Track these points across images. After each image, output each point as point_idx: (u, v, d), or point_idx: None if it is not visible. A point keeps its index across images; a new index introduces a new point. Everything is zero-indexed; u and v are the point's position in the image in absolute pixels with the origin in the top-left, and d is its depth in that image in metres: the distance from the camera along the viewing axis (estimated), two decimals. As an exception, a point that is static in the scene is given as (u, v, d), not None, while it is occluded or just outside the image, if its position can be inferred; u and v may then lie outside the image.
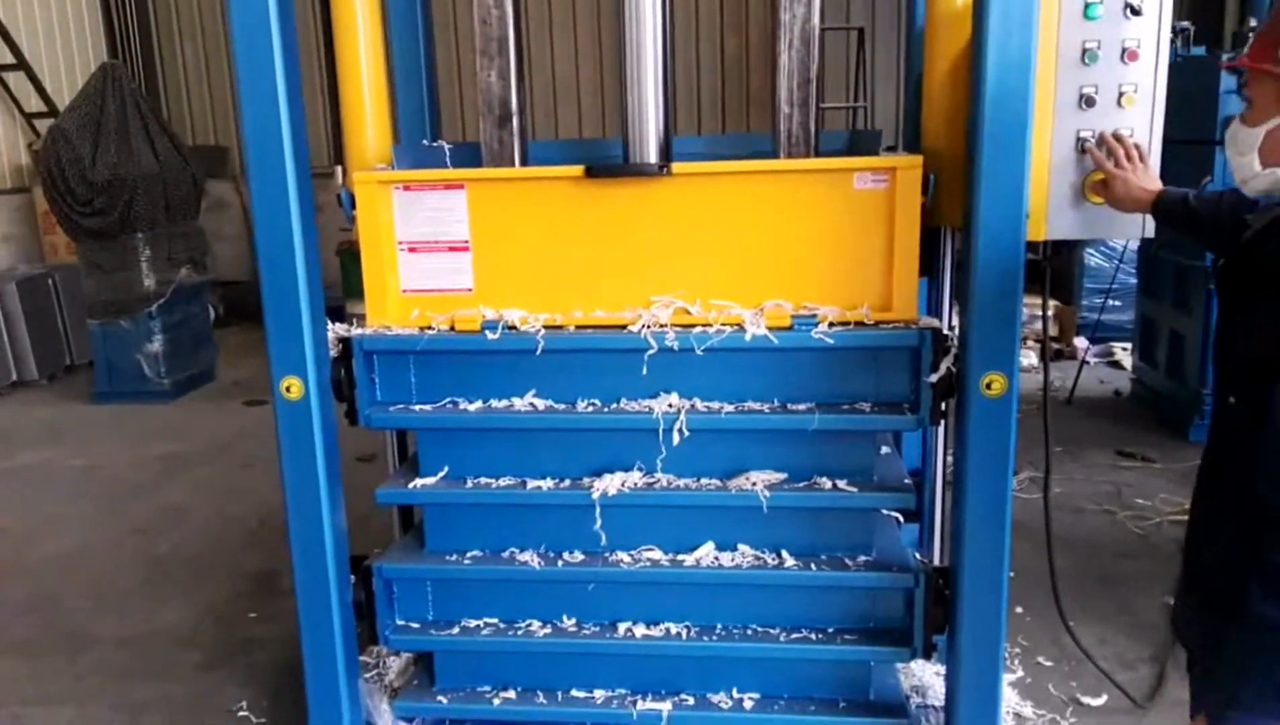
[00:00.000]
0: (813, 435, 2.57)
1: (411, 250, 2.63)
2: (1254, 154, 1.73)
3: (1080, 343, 7.87)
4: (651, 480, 2.66)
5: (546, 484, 2.69)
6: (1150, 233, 2.49)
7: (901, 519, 2.86)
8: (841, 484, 2.61)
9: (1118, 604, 4.05)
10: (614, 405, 2.64)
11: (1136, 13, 2.39)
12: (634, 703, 2.75)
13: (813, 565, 2.64)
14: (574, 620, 2.78)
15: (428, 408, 2.69)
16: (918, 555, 2.78)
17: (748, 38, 10.37)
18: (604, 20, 10.25)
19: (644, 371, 2.57)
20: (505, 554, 2.77)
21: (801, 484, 2.63)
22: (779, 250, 2.56)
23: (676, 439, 2.58)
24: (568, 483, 2.69)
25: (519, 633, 2.77)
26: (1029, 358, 7.07)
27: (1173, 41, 4.34)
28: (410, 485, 2.73)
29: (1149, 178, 2.36)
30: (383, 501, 2.79)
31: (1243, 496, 1.67)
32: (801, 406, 2.59)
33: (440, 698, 2.84)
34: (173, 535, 5.15)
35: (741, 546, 2.70)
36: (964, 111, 2.39)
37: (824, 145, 2.71)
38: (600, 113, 10.48)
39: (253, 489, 5.69)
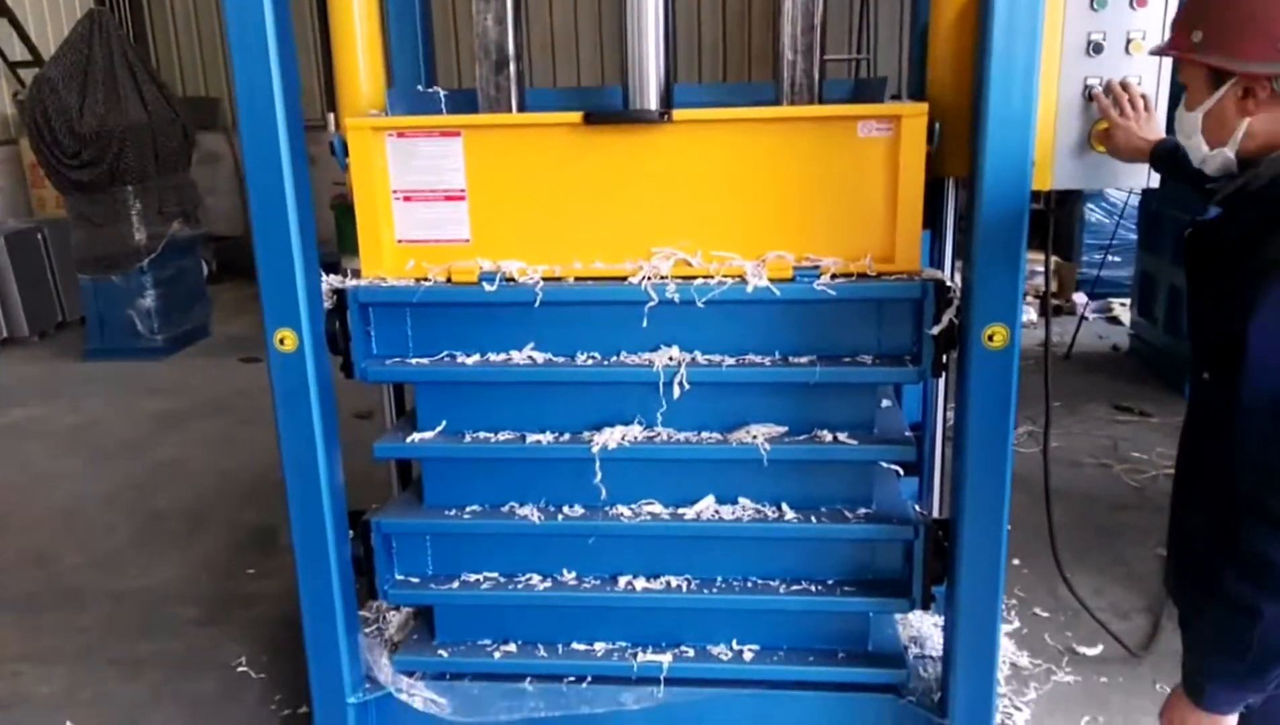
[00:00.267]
0: (813, 388, 2.55)
1: (406, 199, 2.58)
2: (1198, 136, 1.73)
3: (1079, 298, 7.85)
4: (652, 434, 2.64)
5: (546, 438, 2.66)
6: (1155, 183, 2.45)
7: (901, 472, 2.86)
8: (842, 437, 2.60)
9: (1113, 556, 4.09)
10: (614, 358, 2.60)
11: None
12: (634, 655, 2.76)
13: (812, 518, 2.63)
14: (574, 574, 2.77)
15: (425, 361, 2.65)
16: (917, 508, 2.78)
17: (750, -10, 10.25)
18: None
19: (644, 324, 2.53)
20: (505, 508, 2.75)
21: (802, 437, 2.61)
22: (781, 200, 2.51)
23: (677, 392, 2.55)
24: (567, 437, 2.66)
25: (519, 587, 2.76)
26: (1028, 313, 7.06)
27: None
28: (408, 440, 2.71)
29: (1152, 127, 2.33)
30: (380, 456, 2.76)
31: (1220, 473, 1.66)
32: (802, 359, 2.56)
33: (440, 651, 2.84)
34: (169, 491, 5.15)
35: (742, 499, 2.69)
36: (970, 61, 2.34)
37: (828, 94, 2.66)
38: (599, 69, 10.34)
39: (249, 445, 5.68)
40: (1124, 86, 2.37)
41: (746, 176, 2.50)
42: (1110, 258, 7.54)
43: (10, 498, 5.17)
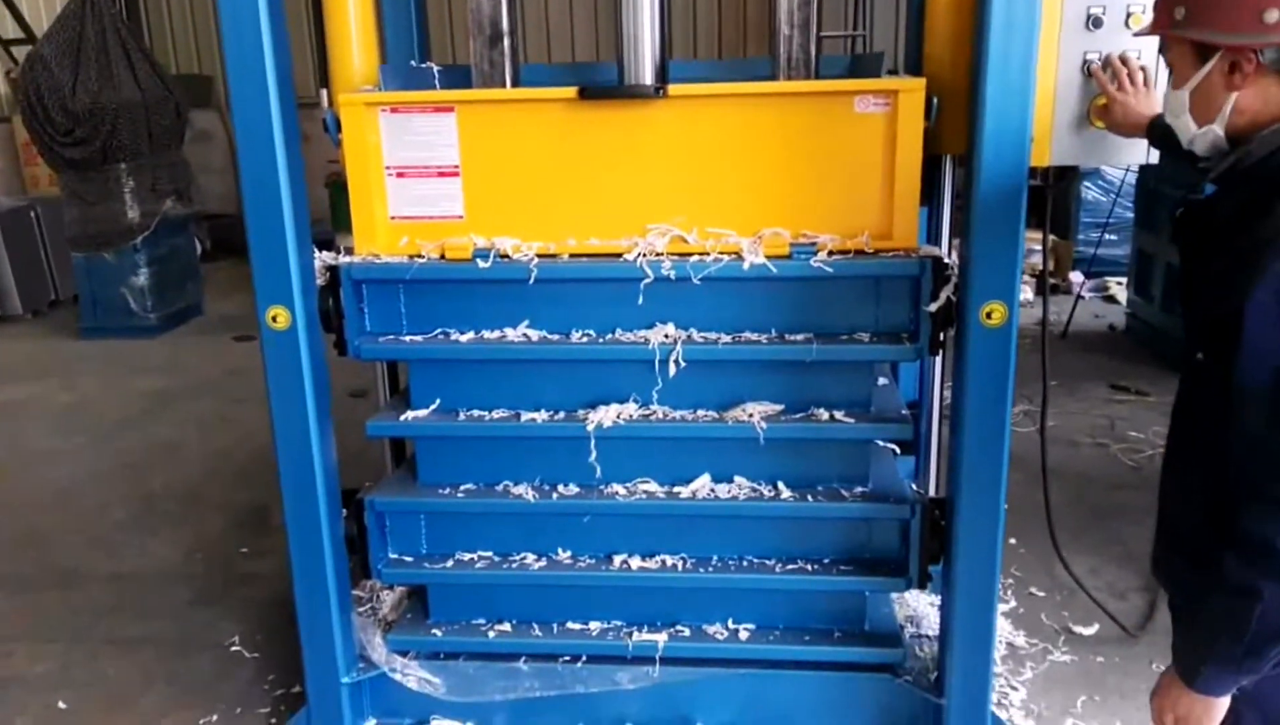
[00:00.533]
0: (810, 366, 2.53)
1: (400, 175, 2.55)
2: (1186, 115, 1.71)
3: (1076, 277, 7.84)
4: (647, 412, 2.62)
5: (541, 416, 2.64)
6: (1154, 159, 2.43)
7: (898, 450, 2.85)
8: (839, 415, 2.58)
9: (1110, 535, 4.09)
10: (609, 336, 2.59)
11: None
12: (629, 635, 2.75)
13: (809, 497, 2.62)
14: (569, 553, 2.76)
15: (418, 338, 2.63)
16: (914, 487, 2.77)
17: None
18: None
19: (640, 301, 2.52)
20: (499, 487, 2.73)
21: (798, 415, 2.59)
22: (777, 177, 2.48)
23: (673, 370, 2.54)
24: (562, 415, 2.64)
25: (513, 566, 2.75)
26: (1025, 292, 7.05)
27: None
28: (402, 418, 2.69)
29: (1151, 102, 2.31)
30: (373, 434, 2.74)
31: (1214, 455, 1.64)
32: (799, 337, 2.55)
33: (435, 631, 2.83)
34: (163, 471, 5.13)
35: (738, 478, 2.67)
36: (968, 36, 2.31)
37: (824, 70, 2.63)
38: (594, 46, 10.27)
39: (242, 423, 5.67)
40: (1123, 61, 2.35)
41: (743, 153, 2.48)
42: (1107, 236, 7.52)
43: (3, 477, 5.16)
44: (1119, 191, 7.69)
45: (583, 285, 2.56)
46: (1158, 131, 2.25)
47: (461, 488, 2.74)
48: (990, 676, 2.61)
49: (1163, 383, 5.82)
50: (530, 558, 2.76)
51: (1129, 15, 2.35)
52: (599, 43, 10.22)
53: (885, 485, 2.67)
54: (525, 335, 2.61)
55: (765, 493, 2.64)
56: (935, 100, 2.41)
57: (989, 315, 2.31)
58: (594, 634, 2.78)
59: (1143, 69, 2.34)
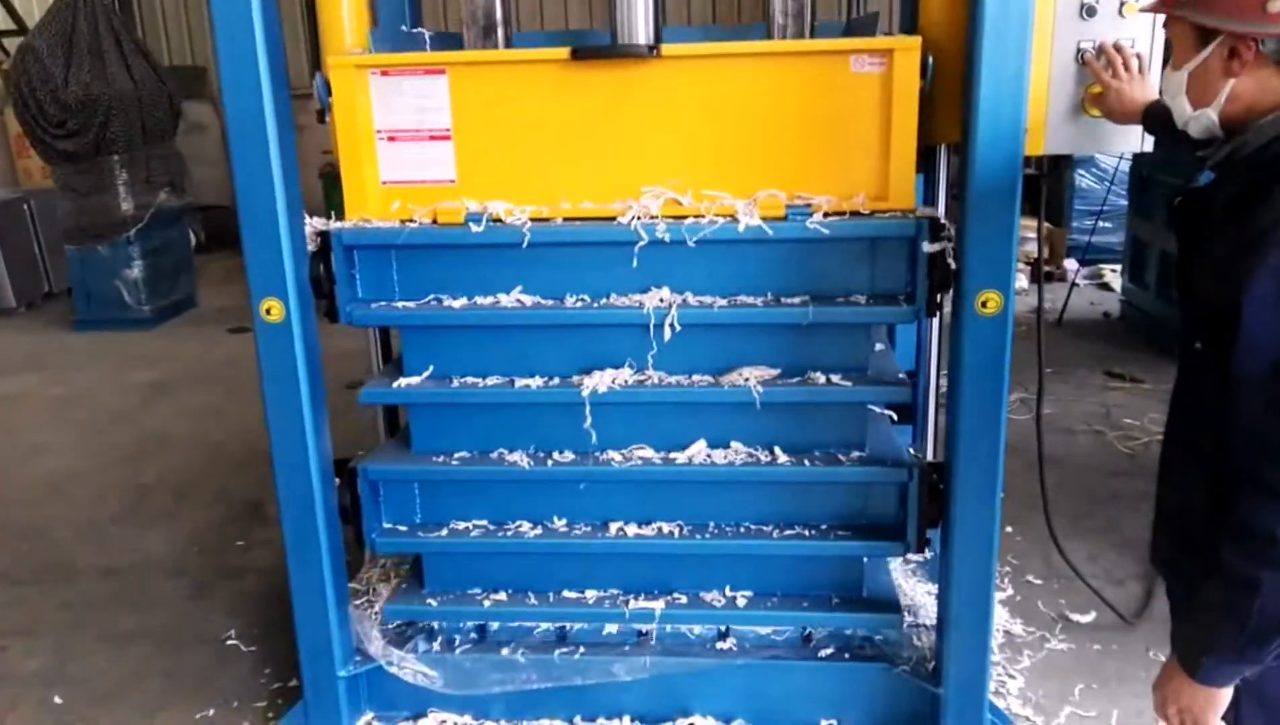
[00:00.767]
0: (807, 329, 2.51)
1: (391, 139, 2.53)
2: (1183, 96, 1.71)
3: (1070, 265, 7.83)
4: (642, 377, 2.59)
5: (535, 382, 2.62)
6: (1149, 147, 2.43)
7: (895, 417, 2.83)
8: (835, 378, 2.56)
9: (1107, 522, 4.08)
10: (603, 300, 2.56)
11: None
12: (626, 602, 2.73)
13: (806, 461, 2.60)
14: (565, 521, 2.74)
15: (410, 304, 2.61)
16: (911, 451, 2.75)
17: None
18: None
19: (634, 265, 2.49)
20: (494, 454, 2.71)
21: (795, 379, 2.57)
22: (772, 138, 2.46)
23: (668, 334, 2.51)
24: (557, 381, 2.62)
25: (509, 534, 2.72)
26: (1020, 280, 7.04)
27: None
28: (394, 385, 2.66)
29: (1145, 89, 2.31)
30: (365, 401, 2.72)
31: (1212, 443, 1.64)
32: (795, 300, 2.53)
33: (430, 600, 2.81)
34: (157, 463, 5.11)
35: (734, 443, 2.65)
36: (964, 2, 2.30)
37: (820, 33, 2.61)
38: (588, 19, 10.23)
39: (237, 416, 5.64)
40: (1117, 48, 2.35)
41: (737, 114, 2.46)
42: (1101, 224, 7.51)
43: (0, 469, 5.12)
44: (1113, 179, 7.68)
45: (576, 249, 2.54)
46: (1152, 118, 2.26)
47: (456, 455, 2.72)
48: (988, 664, 2.60)
49: (1158, 370, 5.81)
50: (526, 526, 2.74)
51: (1122, 4, 2.36)
52: (592, 14, 10.20)
53: (882, 449, 2.65)
54: (519, 300, 2.59)
55: (762, 458, 2.62)
56: (930, 59, 2.40)
57: (984, 304, 2.30)
58: (590, 602, 2.76)
59: (1137, 56, 2.34)
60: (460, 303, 2.59)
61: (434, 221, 2.54)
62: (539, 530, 2.72)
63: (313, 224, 2.53)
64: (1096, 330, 6.82)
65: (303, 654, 2.75)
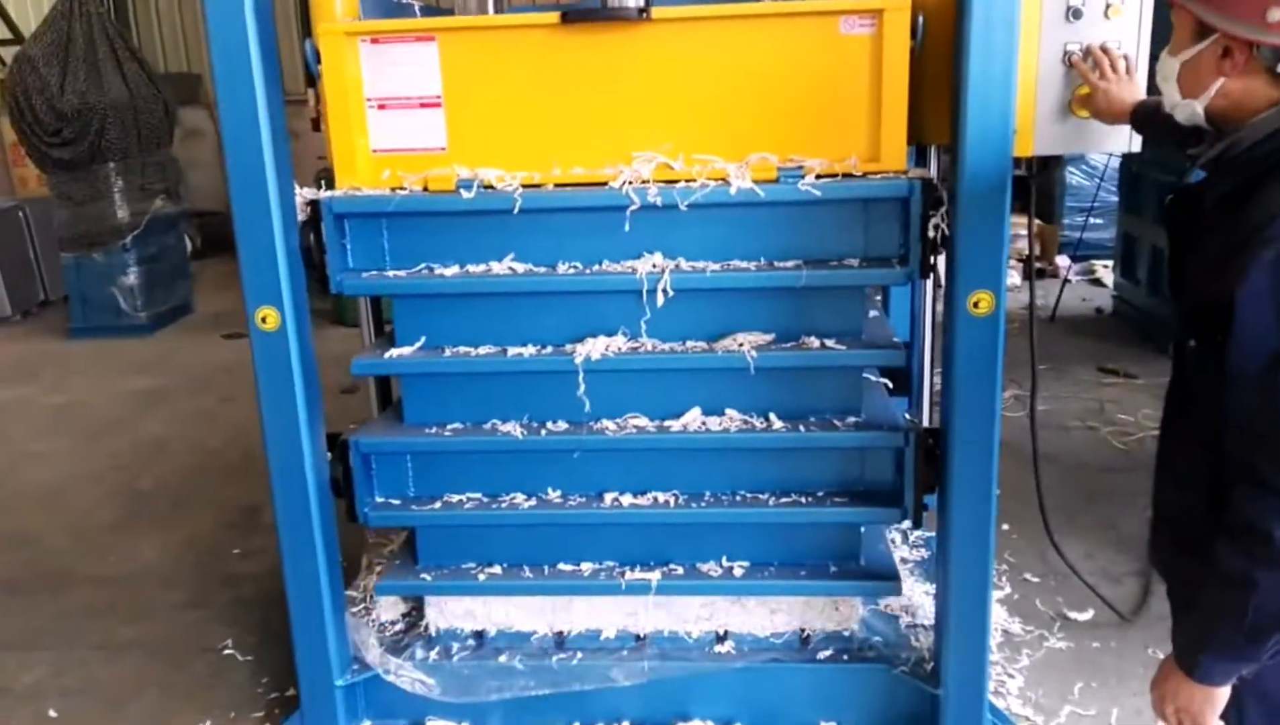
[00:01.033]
0: (800, 293, 2.50)
1: (381, 107, 2.52)
2: (1173, 83, 1.71)
3: (1062, 261, 7.85)
4: (636, 344, 2.57)
5: (528, 351, 2.60)
6: (1137, 147, 2.44)
7: (890, 385, 2.81)
8: (830, 343, 2.54)
9: (1102, 518, 4.07)
10: (596, 267, 2.55)
11: None
12: (622, 574, 2.70)
13: (801, 427, 2.58)
14: (559, 492, 2.71)
15: (402, 273, 2.59)
16: (907, 416, 2.73)
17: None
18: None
19: (626, 229, 2.47)
20: (487, 425, 2.68)
21: (790, 344, 2.56)
22: (764, 101, 2.46)
23: (661, 300, 2.50)
24: (550, 349, 2.60)
25: (503, 506, 2.70)
26: (1011, 277, 7.04)
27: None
28: (386, 355, 2.65)
29: (1132, 89, 2.32)
30: (357, 372, 2.69)
31: (1207, 441, 1.64)
32: (789, 264, 2.51)
33: (424, 575, 2.78)
34: (153, 471, 5.08)
35: (729, 410, 2.63)
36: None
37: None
38: None
39: (233, 422, 5.62)
40: (1104, 50, 2.36)
41: (728, 77, 2.45)
42: (1092, 220, 7.54)
43: (-4, 478, 5.10)
44: (1103, 176, 7.73)
45: (568, 215, 2.52)
46: (1140, 118, 2.28)
47: (449, 427, 2.70)
48: (986, 664, 2.58)
49: (1151, 365, 5.81)
50: (520, 497, 2.71)
51: (1108, 6, 2.36)
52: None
53: (878, 415, 2.63)
54: (511, 268, 2.57)
55: (757, 424, 2.60)
56: (920, 19, 2.39)
57: (976, 305, 2.30)
58: (586, 574, 2.73)
59: (1124, 57, 2.36)
60: (452, 271, 2.58)
61: (425, 188, 2.52)
62: (533, 502, 2.70)
63: (303, 193, 2.52)
64: (1089, 326, 6.83)
65: (299, 663, 2.73)
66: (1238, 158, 1.60)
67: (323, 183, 2.58)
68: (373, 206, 2.52)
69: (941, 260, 2.48)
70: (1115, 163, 7.30)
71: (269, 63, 2.33)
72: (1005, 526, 3.78)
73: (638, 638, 2.83)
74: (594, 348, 2.54)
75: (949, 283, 2.36)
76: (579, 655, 2.77)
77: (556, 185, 2.51)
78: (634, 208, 2.44)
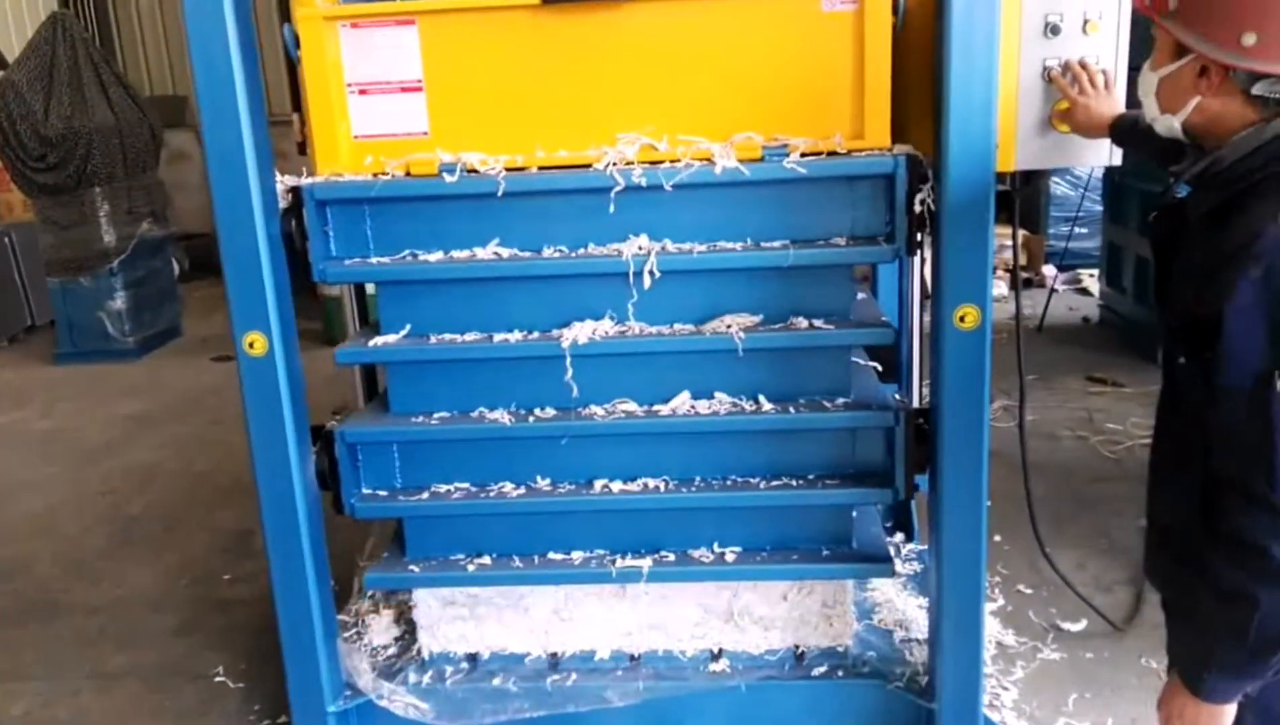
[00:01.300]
0: (788, 274, 2.49)
1: (362, 92, 2.51)
2: (1152, 97, 1.74)
3: (1049, 271, 7.88)
4: (623, 328, 2.55)
5: (514, 337, 2.58)
6: (1117, 160, 2.46)
7: (879, 368, 2.79)
8: (818, 323, 2.53)
9: (1093, 527, 4.05)
10: (581, 250, 2.53)
11: None
12: (613, 562, 2.66)
13: (791, 408, 2.55)
14: (548, 480, 2.68)
15: (385, 260, 2.57)
16: (897, 397, 2.71)
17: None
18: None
19: (611, 211, 2.46)
20: (474, 413, 2.65)
21: (778, 326, 2.54)
22: (747, 80, 2.45)
23: (648, 282, 2.48)
24: (536, 335, 2.58)
25: (491, 495, 2.66)
26: (998, 287, 7.07)
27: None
28: (371, 343, 2.62)
29: (1111, 103, 2.35)
30: (342, 361, 2.66)
31: (1199, 455, 1.64)
32: (775, 244, 2.50)
33: (412, 567, 2.73)
34: (143, 496, 5.03)
35: (718, 393, 2.60)
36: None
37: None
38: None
39: (223, 446, 5.56)
40: (1082, 65, 2.39)
41: (711, 57, 2.45)
42: (1077, 230, 7.58)
43: (-15, 506, 5.03)
44: (1087, 186, 7.80)
45: (553, 198, 2.51)
46: (1120, 132, 2.30)
47: (435, 415, 2.66)
48: (980, 677, 2.56)
49: (1139, 373, 5.82)
50: (509, 486, 2.68)
51: (1086, 22, 2.39)
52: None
53: (867, 395, 2.61)
54: (496, 253, 2.55)
55: (746, 407, 2.58)
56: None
57: (962, 319, 2.31)
58: (576, 563, 2.68)
59: (1102, 72, 2.38)
60: (436, 257, 2.56)
61: (407, 173, 2.51)
62: (522, 490, 2.66)
63: (284, 180, 2.50)
64: (1076, 335, 6.84)
65: (292, 690, 2.70)
66: (1221, 174, 1.62)
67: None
68: (355, 192, 2.50)
69: (929, 266, 2.47)
70: (1099, 173, 7.36)
71: (253, 84, 2.32)
72: (997, 537, 3.76)
73: (632, 658, 2.81)
74: (581, 332, 2.52)
75: (935, 297, 2.36)
76: (573, 676, 2.74)
77: (540, 168, 2.50)
78: (619, 189, 2.43)
